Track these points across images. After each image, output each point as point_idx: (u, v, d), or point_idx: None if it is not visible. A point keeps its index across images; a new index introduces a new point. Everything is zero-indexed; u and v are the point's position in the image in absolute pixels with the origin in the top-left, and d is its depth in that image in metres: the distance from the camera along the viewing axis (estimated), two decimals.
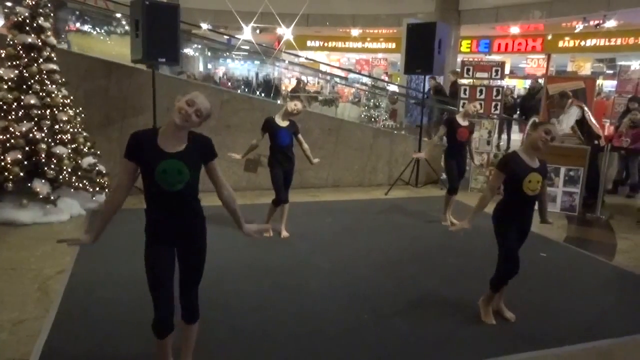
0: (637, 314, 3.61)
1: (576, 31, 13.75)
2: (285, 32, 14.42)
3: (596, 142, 6.60)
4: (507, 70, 12.90)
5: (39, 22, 5.25)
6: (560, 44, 15.82)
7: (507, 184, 3.19)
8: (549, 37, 15.85)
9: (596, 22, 12.40)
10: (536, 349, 3.05)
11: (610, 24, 12.22)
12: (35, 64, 5.20)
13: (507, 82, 15.36)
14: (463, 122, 5.52)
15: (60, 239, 2.39)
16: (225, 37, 13.27)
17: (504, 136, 11.35)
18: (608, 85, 15.59)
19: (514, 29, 14.84)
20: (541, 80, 12.91)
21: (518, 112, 12.00)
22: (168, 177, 2.19)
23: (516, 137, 11.48)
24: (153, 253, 2.32)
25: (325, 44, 19.40)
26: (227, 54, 12.57)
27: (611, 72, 16.26)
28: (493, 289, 3.31)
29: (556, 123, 6.34)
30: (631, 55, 14.90)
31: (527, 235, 3.31)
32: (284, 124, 4.69)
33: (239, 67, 20.41)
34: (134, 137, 2.24)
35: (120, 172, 2.31)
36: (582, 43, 15.10)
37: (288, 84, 16.48)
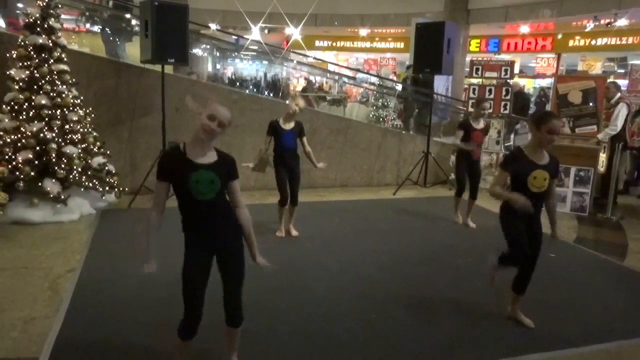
0: None
1: (587, 30, 13.62)
2: (294, 32, 14.43)
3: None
4: (516, 70, 12.83)
5: (50, 23, 5.29)
6: (571, 43, 15.67)
7: (512, 181, 3.15)
8: (559, 36, 15.71)
9: (607, 20, 12.27)
10: (546, 350, 3.03)
11: (622, 22, 12.07)
12: (46, 65, 5.25)
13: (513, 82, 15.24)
14: (477, 125, 5.46)
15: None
16: (234, 37, 13.32)
17: (512, 136, 11.27)
18: (619, 84, 15.43)
19: (524, 28, 14.72)
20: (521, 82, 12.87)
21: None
22: (200, 187, 2.28)
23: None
24: (190, 258, 2.41)
25: (334, 44, 19.38)
26: (236, 54, 12.57)
27: (622, 71, 16.07)
28: (499, 261, 3.28)
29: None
30: None
31: (540, 238, 3.24)
32: (288, 126, 4.72)
33: (247, 67, 20.45)
34: (164, 157, 2.36)
35: (155, 193, 2.37)
36: (593, 42, 14.94)
37: (297, 84, 16.48)
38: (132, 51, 6.73)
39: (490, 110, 7.97)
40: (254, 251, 2.52)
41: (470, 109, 7.91)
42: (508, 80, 8.08)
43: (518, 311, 3.39)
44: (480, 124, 5.48)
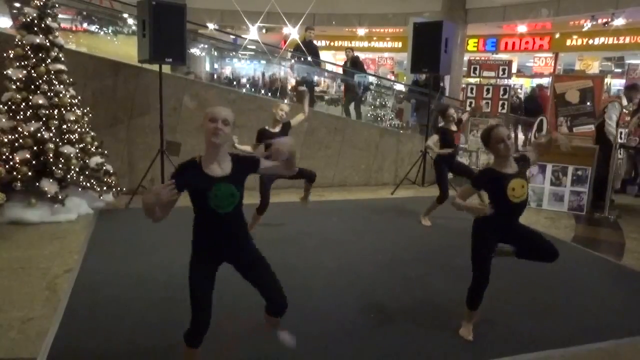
0: None
1: (584, 29, 13.63)
2: (292, 32, 14.42)
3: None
4: (514, 69, 12.84)
5: (47, 22, 5.28)
6: (568, 42, 15.69)
7: (492, 199, 3.03)
8: (557, 36, 15.73)
9: (604, 20, 12.29)
10: (543, 349, 3.04)
11: (619, 22, 12.10)
12: (43, 64, 5.24)
13: (513, 81, 15.27)
14: (452, 128, 5.56)
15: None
16: (232, 36, 13.31)
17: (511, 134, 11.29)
18: (616, 84, 15.46)
19: (522, 28, 14.74)
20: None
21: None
22: (219, 202, 2.28)
23: (521, 136, 11.39)
24: (199, 265, 2.41)
25: (332, 44, 19.36)
26: (234, 53, 12.56)
27: (619, 70, 16.12)
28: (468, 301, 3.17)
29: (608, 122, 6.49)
30: None
31: (535, 234, 3.21)
32: (276, 129, 4.74)
33: (245, 67, 20.42)
34: (180, 168, 2.31)
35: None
36: (590, 41, 14.97)
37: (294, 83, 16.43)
38: (130, 51, 6.72)
39: (488, 110, 8.02)
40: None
41: (468, 108, 7.94)
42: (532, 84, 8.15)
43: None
44: (453, 127, 5.57)
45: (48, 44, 5.28)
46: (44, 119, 5.16)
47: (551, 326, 3.33)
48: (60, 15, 5.95)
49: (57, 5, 5.54)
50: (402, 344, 3.03)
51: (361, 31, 17.28)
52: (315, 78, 10.20)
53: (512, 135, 11.28)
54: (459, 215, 5.86)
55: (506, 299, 3.61)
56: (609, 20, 12.06)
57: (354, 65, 10.08)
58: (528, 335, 3.20)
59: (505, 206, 2.95)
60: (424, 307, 3.58)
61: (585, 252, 4.95)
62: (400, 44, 18.07)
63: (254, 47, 11.34)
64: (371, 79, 10.70)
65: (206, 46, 10.95)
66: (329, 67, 15.33)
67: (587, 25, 12.93)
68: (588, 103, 7.08)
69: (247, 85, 14.30)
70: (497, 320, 3.39)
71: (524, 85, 18.64)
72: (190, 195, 2.32)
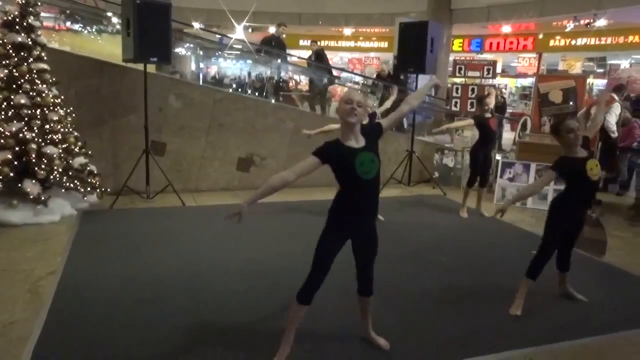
0: (626, 311, 3.65)
1: (567, 30, 13.84)
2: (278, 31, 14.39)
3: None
4: (499, 69, 12.98)
5: (29, 21, 5.21)
6: (552, 43, 15.91)
7: (572, 181, 3.46)
8: (540, 36, 15.95)
9: (586, 21, 12.49)
10: (526, 346, 3.07)
11: (601, 23, 12.30)
12: (26, 63, 5.16)
13: (498, 81, 15.43)
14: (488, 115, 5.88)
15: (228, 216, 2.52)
16: (218, 36, 13.24)
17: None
18: (599, 84, 15.71)
19: (506, 28, 14.91)
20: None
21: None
22: (365, 167, 2.55)
23: (507, 135, 11.54)
24: (331, 237, 2.69)
25: (318, 43, 19.38)
26: (220, 53, 12.51)
27: (601, 70, 16.39)
28: (529, 276, 3.59)
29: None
30: (621, 54, 15.03)
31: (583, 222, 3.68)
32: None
33: (231, 67, 20.32)
34: (328, 144, 2.58)
35: (303, 163, 2.55)
36: (573, 42, 15.20)
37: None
38: (114, 50, 6.65)
39: (473, 109, 8.09)
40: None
41: (454, 109, 8.00)
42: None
43: (568, 287, 3.79)
44: (489, 114, 5.88)
45: (30, 42, 5.20)
46: (26, 118, 5.09)
47: (533, 323, 3.37)
48: (42, 14, 5.85)
49: (39, 4, 5.46)
50: (391, 342, 3.04)
51: (348, 31, 17.32)
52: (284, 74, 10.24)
53: (497, 133, 11.41)
54: (449, 214, 5.93)
55: (489, 297, 3.64)
56: (591, 21, 12.25)
57: (319, 58, 10.10)
58: (510, 333, 3.24)
59: (587, 184, 3.39)
60: (411, 304, 3.60)
61: None
62: (386, 44, 18.15)
63: (240, 46, 11.29)
64: (335, 72, 10.77)
65: (192, 45, 10.87)
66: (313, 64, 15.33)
67: (570, 26, 13.12)
68: (571, 103, 7.18)
69: (234, 85, 14.23)
70: (480, 319, 3.42)
71: (508, 85, 18.84)
72: (336, 170, 2.59)
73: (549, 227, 3.54)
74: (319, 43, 10.51)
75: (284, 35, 9.71)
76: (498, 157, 7.05)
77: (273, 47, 9.31)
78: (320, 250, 2.67)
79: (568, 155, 3.42)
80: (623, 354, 3.15)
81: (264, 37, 10.22)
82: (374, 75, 10.61)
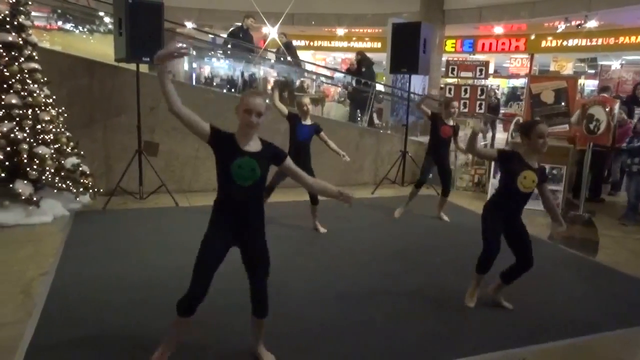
0: (617, 310, 3.68)
1: (558, 31, 13.94)
2: (271, 31, 14.36)
3: None
4: (491, 70, 13.04)
5: (20, 20, 5.16)
6: (543, 43, 16.01)
7: (503, 178, 3.37)
8: (532, 37, 16.05)
9: (578, 22, 12.59)
10: (517, 346, 3.09)
11: (592, 24, 12.41)
12: (16, 63, 5.11)
13: (490, 82, 15.50)
14: (448, 122, 5.61)
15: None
16: (210, 36, 13.20)
17: (489, 134, 11.47)
18: (590, 84, 15.83)
19: (498, 29, 14.99)
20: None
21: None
22: (242, 172, 2.42)
23: (500, 135, 11.60)
24: (210, 237, 2.52)
25: (311, 44, 19.37)
26: (212, 52, 12.48)
27: (592, 71, 16.51)
28: (478, 270, 3.50)
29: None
30: (612, 55, 15.15)
31: (527, 237, 3.46)
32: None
33: (224, 67, 20.26)
34: (220, 132, 2.46)
35: (196, 117, 2.46)
36: (564, 43, 15.31)
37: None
38: (106, 49, 6.61)
39: (466, 110, 8.13)
40: (333, 191, 2.66)
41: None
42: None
43: (499, 295, 3.59)
44: (450, 122, 5.63)
45: (21, 42, 5.16)
46: (17, 119, 5.04)
47: (525, 322, 3.40)
48: (33, 13, 5.80)
49: (30, 3, 5.41)
50: (381, 342, 3.05)
51: (340, 31, 17.33)
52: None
53: (491, 133, 11.47)
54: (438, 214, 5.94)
55: (479, 297, 3.66)
56: (582, 22, 12.35)
57: (287, 48, 10.11)
58: (502, 332, 3.25)
59: (512, 190, 3.27)
60: (403, 305, 3.61)
61: (560, 249, 5.05)
62: (379, 44, 18.18)
63: (229, 46, 11.27)
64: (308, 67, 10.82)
65: (184, 45, 10.86)
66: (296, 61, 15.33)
67: (561, 27, 13.22)
68: (562, 103, 7.23)
69: (227, 85, 14.21)
70: (470, 318, 3.44)
71: (500, 85, 18.93)
72: (216, 161, 2.45)
73: (483, 223, 3.44)
74: (286, 36, 10.57)
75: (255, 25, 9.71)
76: None
77: (240, 40, 9.28)
78: (198, 257, 2.48)
79: (522, 155, 3.27)
80: (614, 352, 3.18)
81: (231, 29, 10.22)
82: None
